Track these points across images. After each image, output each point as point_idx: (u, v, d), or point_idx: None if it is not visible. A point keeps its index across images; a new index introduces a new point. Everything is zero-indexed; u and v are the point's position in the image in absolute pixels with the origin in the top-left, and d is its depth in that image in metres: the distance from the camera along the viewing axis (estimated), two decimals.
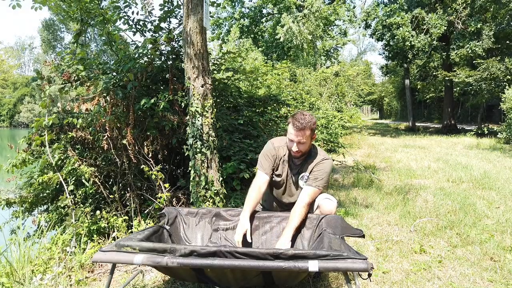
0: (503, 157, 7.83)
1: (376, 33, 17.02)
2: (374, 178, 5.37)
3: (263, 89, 7.01)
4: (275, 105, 5.32)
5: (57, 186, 3.32)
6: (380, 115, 51.87)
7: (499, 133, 11.70)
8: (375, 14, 16.84)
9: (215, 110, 3.20)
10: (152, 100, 3.15)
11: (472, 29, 14.50)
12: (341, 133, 10.47)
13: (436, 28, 14.61)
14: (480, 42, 14.72)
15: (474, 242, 2.79)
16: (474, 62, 15.40)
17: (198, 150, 3.03)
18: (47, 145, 3.06)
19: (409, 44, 15.06)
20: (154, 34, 3.81)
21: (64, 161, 3.20)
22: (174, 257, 1.61)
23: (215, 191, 3.05)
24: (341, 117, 10.96)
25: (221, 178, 3.16)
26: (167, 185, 3.15)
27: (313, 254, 1.56)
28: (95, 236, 2.89)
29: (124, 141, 3.20)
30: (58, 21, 48.55)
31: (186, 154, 3.14)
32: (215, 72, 4.36)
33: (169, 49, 3.70)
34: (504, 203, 3.96)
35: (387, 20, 15.40)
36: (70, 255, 2.50)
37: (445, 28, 14.90)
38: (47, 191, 3.46)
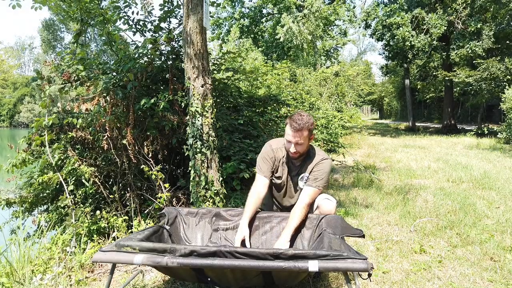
0: (503, 157, 7.83)
1: (376, 33, 17.02)
2: (374, 178, 5.37)
3: (263, 89, 7.01)
4: (275, 105, 5.32)
5: (57, 186, 3.32)
6: (380, 115, 51.87)
7: (499, 133, 11.71)
8: (375, 14, 16.84)
9: (215, 110, 3.20)
10: (152, 100, 3.15)
11: (472, 29, 14.50)
12: (341, 133, 10.48)
13: (436, 28, 14.61)
14: (480, 42, 14.72)
15: (474, 242, 2.79)
16: (474, 62, 15.41)
17: (198, 150, 3.03)
18: (47, 145, 3.06)
19: (409, 44, 15.06)
20: (154, 34, 3.81)
21: (64, 161, 3.20)
22: (174, 257, 1.61)
23: (215, 191, 3.05)
24: (341, 117, 10.96)
25: (221, 178, 3.16)
26: (167, 185, 3.15)
27: (313, 254, 1.56)
28: (95, 236, 2.89)
29: (124, 141, 3.20)
30: (58, 21, 48.55)
31: (186, 154, 3.14)
32: (215, 72, 4.36)
33: (169, 49, 3.70)
34: (504, 203, 3.96)
35: (387, 20, 15.41)
36: (70, 255, 2.50)
37: (445, 28, 14.90)
38: (47, 191, 3.46)
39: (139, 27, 3.85)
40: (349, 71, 15.74)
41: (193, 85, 3.02)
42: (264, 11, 19.23)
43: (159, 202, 3.05)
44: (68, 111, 3.52)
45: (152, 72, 3.50)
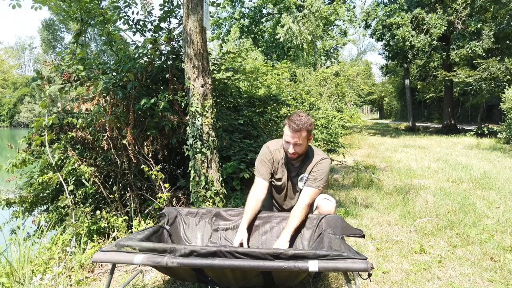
0: (503, 157, 7.83)
1: (376, 33, 17.02)
2: (374, 178, 5.37)
3: (263, 89, 7.01)
4: (275, 105, 5.32)
5: (57, 186, 3.32)
6: (380, 115, 51.87)
7: (499, 133, 11.71)
8: (375, 14, 16.84)
9: (215, 110, 3.20)
10: (152, 100, 3.15)
11: (472, 29, 14.50)
12: (341, 133, 10.47)
13: (436, 28, 14.61)
14: (480, 42, 14.72)
15: (474, 242, 2.79)
16: (474, 62, 15.41)
17: (198, 150, 3.03)
18: (47, 145, 3.06)
19: (409, 44, 15.06)
20: (154, 34, 3.81)
21: (64, 161, 3.20)
22: (174, 257, 1.61)
23: (215, 191, 3.05)
24: (341, 117, 10.96)
25: (221, 178, 3.16)
26: (167, 185, 3.15)
27: (313, 254, 1.56)
28: (95, 236, 2.89)
29: (124, 141, 3.20)
30: (58, 21, 48.56)
31: (186, 154, 3.14)
32: (215, 72, 4.36)
33: (169, 49, 3.70)
34: (504, 203, 3.96)
35: (387, 20, 15.41)
36: (70, 255, 2.50)
37: (445, 28, 14.91)
38: (47, 191, 3.46)
39: (139, 27, 3.85)
40: (349, 71, 15.74)
41: (193, 85, 3.02)
42: (264, 11, 19.24)
43: (159, 202, 3.05)
44: (68, 111, 3.52)
45: (152, 72, 3.50)
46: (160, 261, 1.60)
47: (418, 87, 26.37)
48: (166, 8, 3.72)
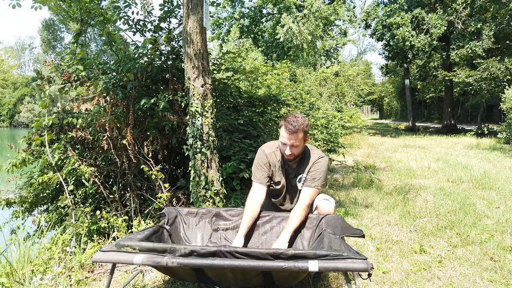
0: (503, 157, 7.83)
1: (376, 33, 17.02)
2: (374, 178, 5.37)
3: (263, 89, 7.01)
4: (275, 105, 5.32)
5: (57, 186, 3.32)
6: (380, 115, 51.87)
7: (499, 133, 11.71)
8: (375, 14, 16.84)
9: (215, 110, 3.20)
10: (152, 100, 3.15)
11: (472, 29, 14.50)
12: (341, 133, 10.48)
13: (436, 28, 14.61)
14: (480, 42, 14.72)
15: (474, 242, 2.79)
16: (474, 62, 15.41)
17: (198, 150, 3.03)
18: (47, 145, 3.06)
19: (409, 44, 15.06)
20: (154, 34, 3.81)
21: (64, 161, 3.20)
22: (174, 257, 1.61)
23: (215, 191, 3.05)
24: (341, 117, 10.97)
25: (221, 178, 3.16)
26: (167, 185, 3.15)
27: (313, 254, 1.56)
28: (95, 236, 2.89)
29: (124, 141, 3.20)
30: (58, 21, 48.56)
31: (186, 154, 3.14)
32: (215, 72, 4.36)
33: (169, 49, 3.70)
34: (504, 203, 3.96)
35: (387, 20, 15.41)
36: (70, 255, 2.50)
37: (445, 28, 14.91)
38: (47, 191, 3.46)
39: (139, 27, 3.85)
40: (349, 71, 15.76)
41: (193, 85, 3.03)
42: (264, 11, 19.25)
43: (159, 202, 3.05)
44: (68, 111, 3.52)
45: (152, 72, 3.50)
46: (160, 261, 1.60)
47: (418, 87, 26.37)
48: (166, 8, 3.72)
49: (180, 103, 3.22)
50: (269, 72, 7.41)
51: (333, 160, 6.54)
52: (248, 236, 2.21)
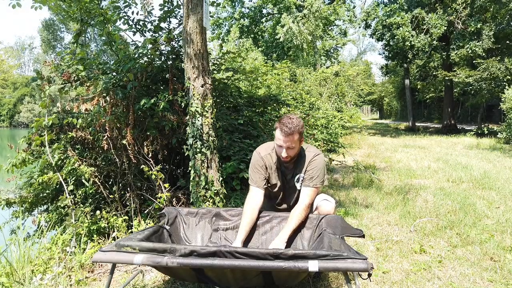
0: (503, 157, 7.83)
1: (376, 33, 17.02)
2: (374, 178, 5.37)
3: (263, 89, 7.00)
4: (275, 105, 5.32)
5: (57, 186, 3.32)
6: (380, 115, 51.87)
7: (499, 133, 11.71)
8: (375, 14, 16.84)
9: (215, 110, 3.20)
10: (152, 100, 3.15)
11: (472, 29, 14.50)
12: (341, 133, 10.48)
13: (436, 28, 14.61)
14: (480, 42, 14.72)
15: (474, 242, 2.79)
16: (474, 62, 15.41)
17: (198, 150, 3.03)
18: (47, 145, 3.06)
19: (409, 44, 15.07)
20: (154, 34, 3.81)
21: (64, 161, 3.20)
22: (174, 257, 1.61)
23: (215, 191, 3.05)
24: (341, 117, 10.97)
25: (221, 178, 3.16)
26: (167, 185, 3.15)
27: (313, 254, 1.56)
28: (95, 236, 2.89)
29: (124, 141, 3.20)
30: (58, 21, 48.55)
31: (186, 154, 3.14)
32: (215, 72, 4.36)
33: (169, 49, 3.70)
34: (504, 203, 3.97)
35: (387, 20, 15.41)
36: (70, 255, 2.50)
37: (445, 28, 14.91)
38: (47, 191, 3.46)
39: (139, 27, 3.85)
40: (349, 71, 15.76)
41: (193, 85, 3.03)
42: (264, 11, 19.25)
43: (159, 202, 3.05)
44: (68, 111, 3.52)
45: (152, 72, 3.50)
46: (160, 261, 1.60)
47: (418, 87, 26.37)
48: (166, 8, 3.72)
49: (180, 103, 3.22)
50: (269, 72, 7.40)
51: (333, 160, 6.53)
52: (248, 236, 2.21)
